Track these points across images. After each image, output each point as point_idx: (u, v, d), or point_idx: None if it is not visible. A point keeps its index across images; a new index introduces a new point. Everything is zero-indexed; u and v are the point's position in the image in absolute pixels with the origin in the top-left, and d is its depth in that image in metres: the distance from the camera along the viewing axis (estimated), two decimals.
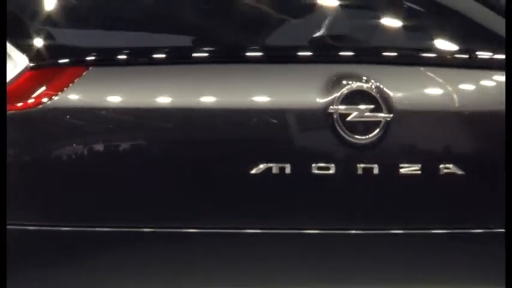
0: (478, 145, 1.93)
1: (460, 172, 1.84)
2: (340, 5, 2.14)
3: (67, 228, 1.71)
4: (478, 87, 1.87)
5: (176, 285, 1.79)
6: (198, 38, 1.96)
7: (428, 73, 1.90)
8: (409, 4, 2.26)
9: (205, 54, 1.87)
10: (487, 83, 1.92)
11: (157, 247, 1.75)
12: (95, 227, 1.72)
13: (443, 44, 2.01)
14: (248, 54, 1.86)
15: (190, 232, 1.76)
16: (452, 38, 2.02)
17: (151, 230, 1.74)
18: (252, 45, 1.89)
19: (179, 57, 1.84)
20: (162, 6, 2.04)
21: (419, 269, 1.86)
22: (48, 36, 1.90)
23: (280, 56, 1.89)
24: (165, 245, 1.75)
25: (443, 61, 1.93)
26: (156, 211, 1.75)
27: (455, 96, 1.88)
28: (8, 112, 1.67)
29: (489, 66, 1.88)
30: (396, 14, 2.13)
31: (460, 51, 1.97)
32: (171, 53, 1.83)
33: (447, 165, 1.83)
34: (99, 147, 1.76)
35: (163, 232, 1.75)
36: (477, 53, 1.90)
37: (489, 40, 2.06)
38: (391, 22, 2.15)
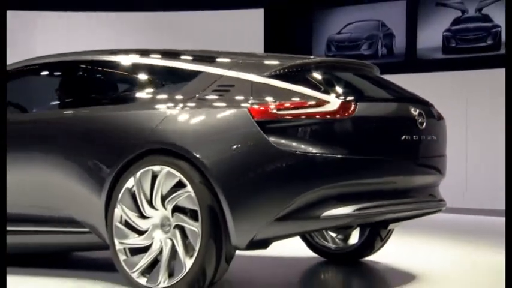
0: (442, 130, 4.35)
1: (432, 137, 4.15)
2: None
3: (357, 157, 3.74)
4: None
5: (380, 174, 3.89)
6: (372, 93, 4.29)
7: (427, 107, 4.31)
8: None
9: (380, 98, 4.20)
10: None
11: (382, 167, 3.88)
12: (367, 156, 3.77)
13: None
14: (395, 99, 4.24)
15: (384, 159, 3.86)
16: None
17: (382, 158, 3.86)
18: (396, 99, 4.25)
19: (372, 99, 4.09)
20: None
21: (427, 169, 4.26)
22: (338, 90, 3.95)
23: (396, 99, 4.23)
24: (382, 165, 3.88)
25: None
26: (373, 151, 3.84)
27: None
28: (335, 118, 3.67)
29: None
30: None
31: None
32: (367, 96, 4.12)
33: (432, 136, 4.14)
34: (367, 131, 3.83)
35: (384, 159, 3.87)
36: None
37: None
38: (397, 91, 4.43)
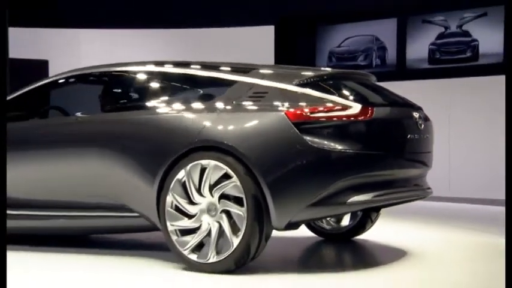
0: (430, 130, 4.50)
1: (427, 136, 4.37)
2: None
3: (364, 152, 3.96)
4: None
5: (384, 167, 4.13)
6: (382, 100, 4.39)
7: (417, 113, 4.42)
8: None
9: (389, 103, 4.33)
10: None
11: (384, 161, 4.13)
12: (370, 151, 4.01)
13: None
14: (398, 104, 4.41)
15: (383, 154, 4.09)
16: None
17: (384, 153, 4.10)
18: (396, 104, 4.41)
19: (372, 103, 4.15)
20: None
21: (421, 162, 4.46)
22: (356, 98, 4.14)
23: (401, 105, 4.41)
24: (384, 159, 4.12)
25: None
26: (388, 148, 4.15)
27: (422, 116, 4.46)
28: (357, 120, 3.93)
29: None
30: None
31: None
32: (373, 102, 4.21)
33: (424, 134, 4.32)
34: (382, 131, 4.12)
35: (383, 154, 4.10)
36: None
37: None
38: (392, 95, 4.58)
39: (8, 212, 4.51)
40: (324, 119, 3.94)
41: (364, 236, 5.37)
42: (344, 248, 5.14)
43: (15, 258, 4.49)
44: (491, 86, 9.08)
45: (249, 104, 4.15)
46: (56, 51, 10.53)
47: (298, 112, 3.94)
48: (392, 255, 4.79)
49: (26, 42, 10.21)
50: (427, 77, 9.88)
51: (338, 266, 4.77)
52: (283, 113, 3.96)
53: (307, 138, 3.88)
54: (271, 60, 10.39)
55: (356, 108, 3.99)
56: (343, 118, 3.95)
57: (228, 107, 4.17)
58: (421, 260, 4.65)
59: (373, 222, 5.23)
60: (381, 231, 5.55)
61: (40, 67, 9.85)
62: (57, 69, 6.97)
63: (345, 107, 3.98)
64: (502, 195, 7.13)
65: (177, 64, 4.72)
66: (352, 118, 3.96)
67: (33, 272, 4.21)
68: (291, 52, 11.04)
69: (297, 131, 3.89)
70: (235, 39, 10.86)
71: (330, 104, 3.98)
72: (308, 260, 4.95)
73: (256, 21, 10.88)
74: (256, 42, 10.76)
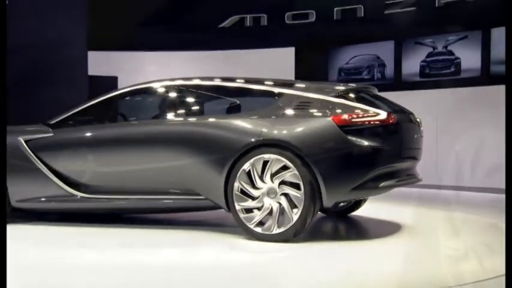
0: (422, 131, 4.91)
1: (421, 135, 4.81)
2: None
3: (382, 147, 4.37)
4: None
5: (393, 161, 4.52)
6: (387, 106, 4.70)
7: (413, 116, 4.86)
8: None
9: (400, 110, 4.81)
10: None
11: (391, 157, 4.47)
12: (382, 147, 4.40)
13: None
14: (401, 113, 4.77)
15: (384, 148, 4.43)
16: None
17: (393, 148, 4.49)
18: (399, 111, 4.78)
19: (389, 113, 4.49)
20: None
21: (417, 156, 4.88)
22: (376, 106, 4.52)
23: (402, 113, 4.75)
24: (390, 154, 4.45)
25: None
26: (405, 145, 4.62)
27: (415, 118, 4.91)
28: (385, 124, 4.43)
29: None
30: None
31: None
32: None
33: (421, 134, 4.81)
34: (402, 132, 4.60)
35: (387, 149, 4.44)
36: None
37: None
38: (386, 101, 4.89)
39: (102, 196, 5.07)
40: (360, 123, 4.44)
41: (358, 213, 5.80)
42: (342, 222, 5.51)
43: (114, 231, 5.08)
44: (471, 95, 9.57)
45: (297, 111, 4.60)
46: (123, 69, 11.10)
47: (342, 117, 4.44)
48: (383, 228, 5.16)
49: (100, 63, 10.89)
50: (419, 88, 10.28)
51: (337, 236, 5.10)
52: (330, 118, 4.45)
53: (350, 137, 4.36)
54: (291, 76, 10.87)
55: (383, 114, 4.49)
56: (374, 122, 4.46)
57: (281, 113, 4.63)
58: (409, 231, 5.01)
59: (365, 200, 5.74)
60: (374, 211, 5.90)
61: (111, 82, 10.55)
62: (125, 83, 7.08)
63: (375, 114, 4.49)
64: (481, 183, 8.66)
65: (235, 79, 5.16)
66: (381, 122, 4.47)
67: (125, 243, 4.75)
68: (308, 68, 11.50)
69: (342, 132, 4.38)
70: (263, 59, 11.29)
71: (364, 111, 4.48)
72: (314, 231, 5.16)
73: (280, 44, 11.49)
74: (280, 60, 11.30)
